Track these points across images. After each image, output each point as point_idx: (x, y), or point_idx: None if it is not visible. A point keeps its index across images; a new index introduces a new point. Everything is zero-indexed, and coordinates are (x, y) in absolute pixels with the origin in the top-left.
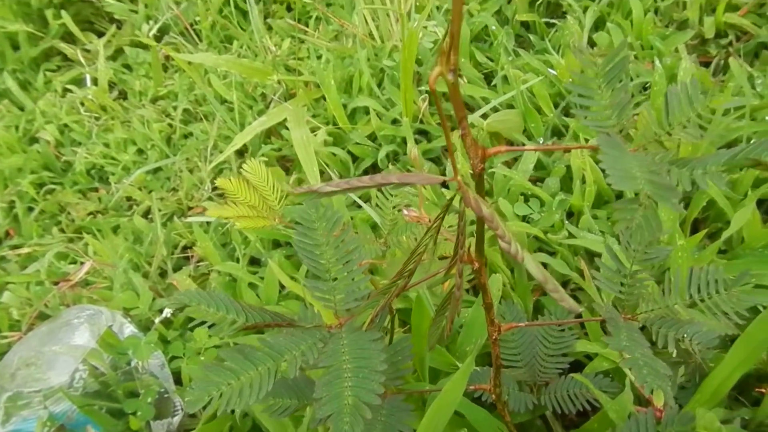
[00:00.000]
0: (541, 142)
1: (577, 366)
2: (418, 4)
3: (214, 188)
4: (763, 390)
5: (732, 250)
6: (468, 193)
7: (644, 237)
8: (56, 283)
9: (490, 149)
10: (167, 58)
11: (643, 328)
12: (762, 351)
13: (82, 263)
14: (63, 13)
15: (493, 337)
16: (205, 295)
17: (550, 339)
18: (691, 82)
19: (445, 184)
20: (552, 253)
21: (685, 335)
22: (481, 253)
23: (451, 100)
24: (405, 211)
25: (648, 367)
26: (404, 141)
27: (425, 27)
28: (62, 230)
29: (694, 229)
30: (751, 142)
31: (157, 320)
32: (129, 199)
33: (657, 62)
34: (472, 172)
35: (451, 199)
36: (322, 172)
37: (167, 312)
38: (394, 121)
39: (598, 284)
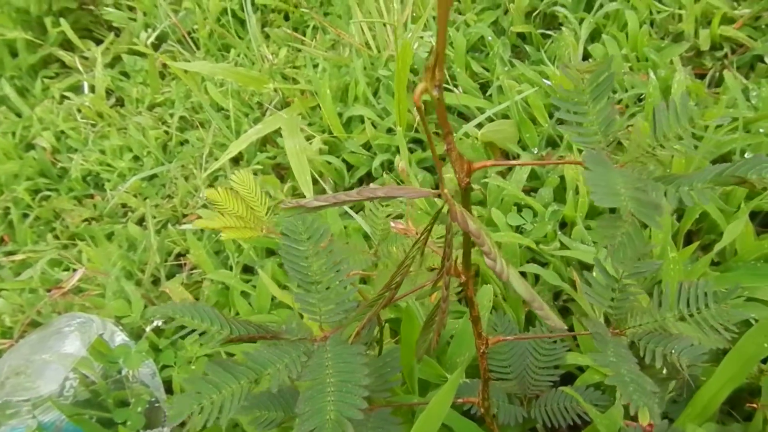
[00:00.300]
0: (535, 152)
1: (569, 378)
2: (414, 14)
3: None
4: (755, 405)
5: (725, 262)
6: (455, 208)
7: (626, 254)
8: (49, 291)
9: (476, 164)
10: (165, 65)
11: (633, 344)
12: (754, 365)
13: (74, 270)
14: (62, 20)
15: (481, 351)
16: (190, 308)
17: (541, 351)
18: (680, 98)
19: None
20: (544, 264)
21: (673, 351)
22: (468, 267)
23: (437, 116)
24: (392, 223)
25: (634, 383)
26: (399, 150)
27: (421, 37)
28: (57, 237)
29: (688, 241)
30: (745, 155)
31: (148, 329)
32: (124, 206)
33: (652, 74)
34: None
35: (438, 211)
36: (316, 181)
37: (158, 320)
38: (389, 130)
39: (589, 299)
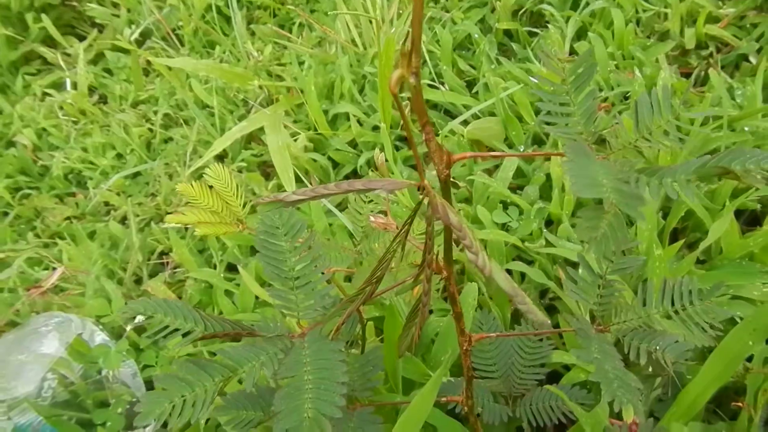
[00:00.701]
0: (521, 150)
1: (554, 376)
2: (401, 12)
3: None
4: (741, 404)
5: (710, 260)
6: (435, 200)
7: (608, 248)
8: (28, 290)
9: (456, 155)
10: (148, 62)
11: (618, 341)
12: (739, 363)
13: (54, 269)
14: (44, 16)
15: (464, 348)
16: (163, 304)
17: (526, 349)
18: (662, 90)
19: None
20: (530, 262)
21: (658, 348)
22: (449, 261)
23: (414, 104)
24: (372, 218)
25: (618, 380)
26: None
27: (407, 33)
28: (38, 236)
29: (674, 239)
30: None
31: (128, 327)
32: (107, 204)
33: (637, 72)
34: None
35: (418, 205)
36: (301, 179)
37: (140, 319)
38: (375, 128)
39: (574, 296)
